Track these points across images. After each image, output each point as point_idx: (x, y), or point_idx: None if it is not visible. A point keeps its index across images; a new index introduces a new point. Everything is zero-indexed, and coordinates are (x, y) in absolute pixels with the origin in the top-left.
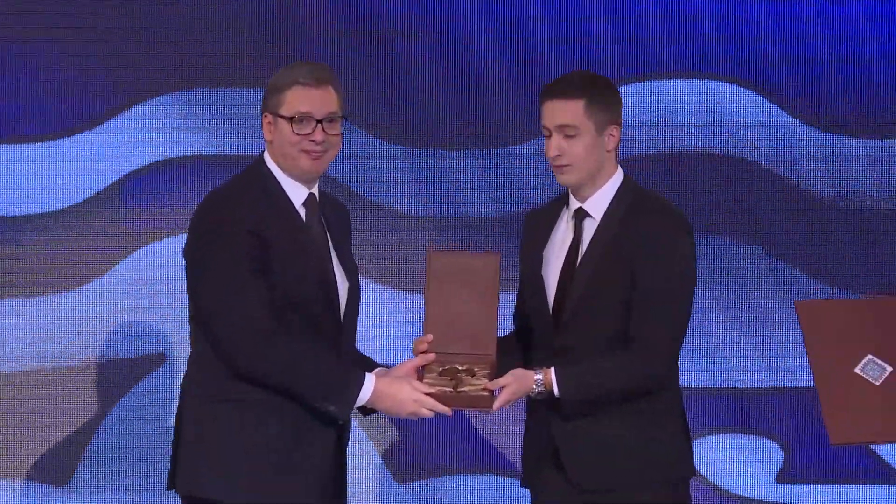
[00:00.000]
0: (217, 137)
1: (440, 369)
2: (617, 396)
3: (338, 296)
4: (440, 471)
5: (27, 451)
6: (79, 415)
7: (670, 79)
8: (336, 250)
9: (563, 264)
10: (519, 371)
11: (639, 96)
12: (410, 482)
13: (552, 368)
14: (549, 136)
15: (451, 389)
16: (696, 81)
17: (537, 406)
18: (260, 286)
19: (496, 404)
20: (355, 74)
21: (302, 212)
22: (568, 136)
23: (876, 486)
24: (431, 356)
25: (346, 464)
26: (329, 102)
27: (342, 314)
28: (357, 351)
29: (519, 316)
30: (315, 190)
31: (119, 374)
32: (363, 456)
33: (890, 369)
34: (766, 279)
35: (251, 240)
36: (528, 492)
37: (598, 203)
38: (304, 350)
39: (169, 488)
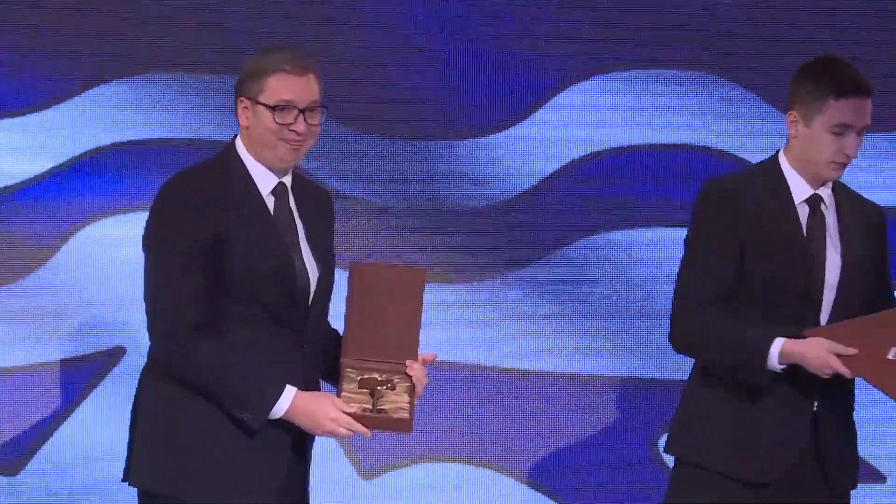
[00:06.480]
0: (171, 123)
1: (359, 378)
2: None
3: (304, 287)
4: (405, 462)
5: None
6: (36, 414)
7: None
8: (309, 239)
9: (829, 252)
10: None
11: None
12: (374, 478)
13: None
14: (842, 134)
15: (371, 408)
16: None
17: (785, 397)
18: (196, 277)
19: None
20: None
21: (270, 200)
22: (859, 135)
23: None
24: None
25: (309, 461)
26: (312, 91)
27: (309, 305)
28: (333, 335)
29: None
30: (287, 179)
31: (77, 371)
32: (326, 453)
33: None
34: None
35: (202, 225)
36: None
37: (825, 191)
38: (227, 353)
39: (123, 480)
